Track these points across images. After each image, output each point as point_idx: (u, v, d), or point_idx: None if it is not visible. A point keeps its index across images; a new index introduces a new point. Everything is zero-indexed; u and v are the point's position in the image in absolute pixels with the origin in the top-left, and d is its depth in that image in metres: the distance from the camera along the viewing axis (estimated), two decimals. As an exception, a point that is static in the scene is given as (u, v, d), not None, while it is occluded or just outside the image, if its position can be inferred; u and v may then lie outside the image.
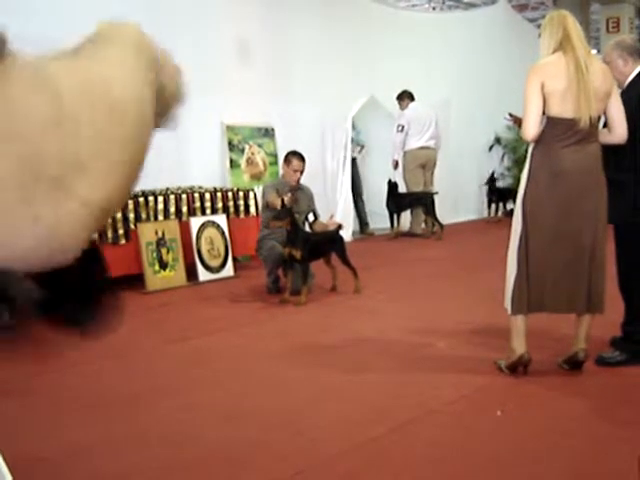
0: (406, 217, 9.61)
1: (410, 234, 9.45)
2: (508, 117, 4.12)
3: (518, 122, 3.70)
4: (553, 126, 3.47)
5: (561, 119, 3.44)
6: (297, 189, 6.04)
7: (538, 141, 3.52)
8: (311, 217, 6.19)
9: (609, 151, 3.61)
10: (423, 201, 9.22)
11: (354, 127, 9.56)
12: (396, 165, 9.52)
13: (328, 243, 5.96)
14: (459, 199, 10.93)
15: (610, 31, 15.90)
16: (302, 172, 6.11)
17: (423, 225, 9.55)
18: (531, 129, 3.47)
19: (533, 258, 3.56)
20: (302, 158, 6.10)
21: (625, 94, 3.77)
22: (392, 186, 9.21)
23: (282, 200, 5.60)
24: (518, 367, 3.68)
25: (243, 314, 5.30)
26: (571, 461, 2.73)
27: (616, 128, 3.58)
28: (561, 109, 3.44)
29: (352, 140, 9.37)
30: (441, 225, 9.24)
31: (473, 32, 10.96)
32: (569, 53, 3.45)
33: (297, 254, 5.58)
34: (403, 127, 9.36)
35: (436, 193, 9.38)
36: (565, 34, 3.48)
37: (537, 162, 3.54)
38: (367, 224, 9.79)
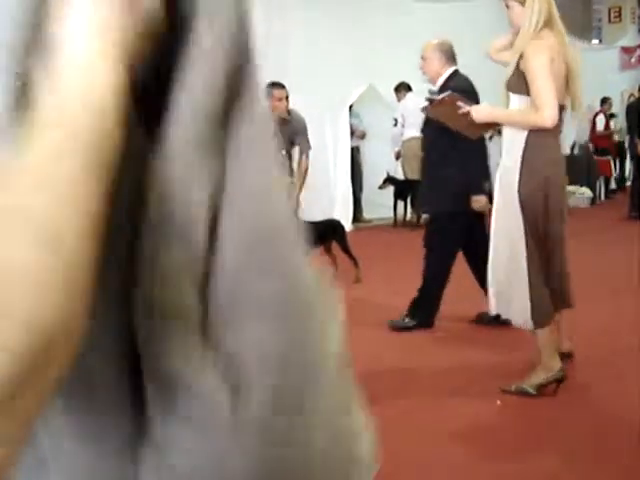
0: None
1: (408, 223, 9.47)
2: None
3: None
4: None
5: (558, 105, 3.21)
6: (283, 123, 5.46)
7: (533, 129, 3.20)
8: (296, 154, 5.52)
9: (432, 148, 3.93)
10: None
11: (355, 115, 9.57)
12: (397, 156, 9.57)
13: (328, 231, 5.84)
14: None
15: (612, 21, 15.86)
16: (287, 99, 5.52)
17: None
18: (555, 114, 3.08)
19: (536, 255, 3.24)
20: (282, 85, 5.50)
21: (439, 92, 3.98)
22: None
23: None
24: (550, 385, 3.22)
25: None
26: (573, 450, 2.74)
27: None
28: (558, 94, 3.18)
29: (352, 127, 9.42)
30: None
31: (475, 23, 10.87)
32: (558, 35, 3.17)
33: None
34: (397, 121, 9.37)
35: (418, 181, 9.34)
36: (550, 13, 3.16)
37: (532, 151, 3.21)
38: (361, 212, 9.81)
